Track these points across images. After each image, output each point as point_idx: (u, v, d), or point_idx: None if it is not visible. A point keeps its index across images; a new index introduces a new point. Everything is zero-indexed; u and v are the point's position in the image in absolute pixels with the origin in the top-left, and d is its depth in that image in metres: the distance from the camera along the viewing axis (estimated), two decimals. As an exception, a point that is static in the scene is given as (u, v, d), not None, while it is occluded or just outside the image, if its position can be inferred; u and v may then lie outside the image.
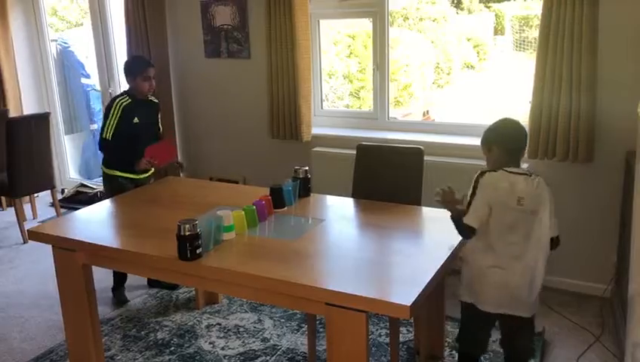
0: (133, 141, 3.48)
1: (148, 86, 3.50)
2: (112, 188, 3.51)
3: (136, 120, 3.50)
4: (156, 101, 3.72)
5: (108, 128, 3.45)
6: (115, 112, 3.44)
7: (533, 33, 5.15)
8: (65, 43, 6.20)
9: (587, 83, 3.21)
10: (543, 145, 3.37)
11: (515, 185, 2.27)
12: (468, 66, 7.13)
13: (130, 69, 3.52)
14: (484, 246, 2.31)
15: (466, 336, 2.51)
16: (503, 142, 2.36)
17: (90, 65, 6.05)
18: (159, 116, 3.75)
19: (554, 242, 2.35)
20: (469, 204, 2.30)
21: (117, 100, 3.49)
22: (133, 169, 3.51)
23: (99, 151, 3.66)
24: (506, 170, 2.30)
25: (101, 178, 6.04)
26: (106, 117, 3.48)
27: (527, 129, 3.40)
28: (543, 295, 3.31)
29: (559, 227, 2.38)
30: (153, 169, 3.64)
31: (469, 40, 7.08)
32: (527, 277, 2.28)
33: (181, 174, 3.97)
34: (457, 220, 2.33)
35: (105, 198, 3.42)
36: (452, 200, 2.39)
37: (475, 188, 2.30)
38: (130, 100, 3.49)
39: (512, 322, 2.34)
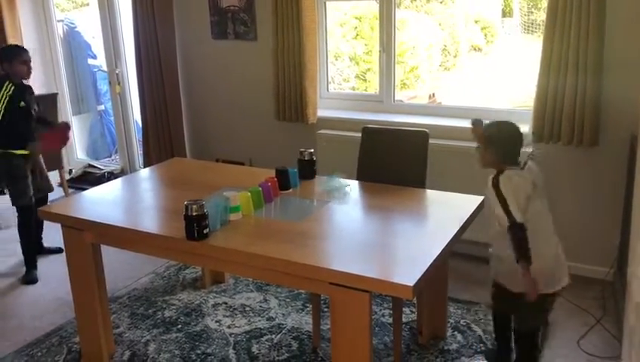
0: (24, 121, 3.73)
1: (25, 69, 3.68)
2: (10, 168, 3.71)
3: (23, 104, 3.67)
4: (29, 85, 3.88)
5: None
6: (4, 95, 3.59)
7: (542, 16, 5.10)
8: (71, 23, 6.20)
9: (593, 66, 3.20)
10: (548, 129, 3.38)
11: (523, 176, 2.39)
12: (475, 49, 7.08)
13: (6, 56, 3.67)
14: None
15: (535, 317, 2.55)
16: (504, 144, 2.45)
17: (97, 45, 6.06)
18: (33, 98, 3.87)
19: None
20: (505, 208, 2.31)
21: (4, 89, 3.60)
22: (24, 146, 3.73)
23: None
24: (511, 168, 2.40)
25: (108, 159, 6.19)
26: None
27: (532, 112, 3.45)
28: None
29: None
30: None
31: (476, 22, 7.02)
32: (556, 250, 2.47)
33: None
34: (517, 236, 2.31)
35: (113, 178, 3.47)
36: None
37: (499, 191, 2.35)
38: (13, 87, 3.63)
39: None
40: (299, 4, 3.98)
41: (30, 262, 3.82)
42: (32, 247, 3.86)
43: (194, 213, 2.27)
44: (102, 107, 6.40)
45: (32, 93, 3.86)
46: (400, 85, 5.75)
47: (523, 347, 2.61)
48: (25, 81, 3.78)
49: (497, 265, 2.54)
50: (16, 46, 3.89)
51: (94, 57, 6.28)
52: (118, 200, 3.03)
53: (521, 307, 2.46)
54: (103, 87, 6.23)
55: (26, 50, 3.75)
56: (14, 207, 3.79)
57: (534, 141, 3.40)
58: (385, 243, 2.40)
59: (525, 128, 3.51)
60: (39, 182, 3.93)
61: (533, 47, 5.00)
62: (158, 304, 3.42)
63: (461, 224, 2.44)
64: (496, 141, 2.44)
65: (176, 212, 2.49)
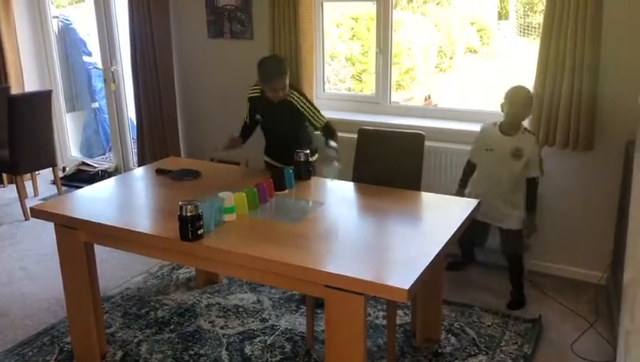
0: (265, 133, 3.52)
1: (273, 95, 3.20)
2: None
3: (258, 117, 3.38)
4: (290, 99, 3.26)
5: (245, 112, 3.49)
6: (248, 100, 3.46)
7: (538, 18, 5.12)
8: (67, 20, 6.17)
9: (590, 71, 3.20)
10: (544, 132, 3.38)
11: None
12: (471, 51, 7.10)
13: (260, 75, 3.20)
14: None
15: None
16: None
17: (92, 43, 6.03)
18: (307, 112, 3.28)
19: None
20: (540, 165, 3.17)
21: (251, 88, 3.42)
22: (276, 157, 3.51)
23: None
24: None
25: (102, 157, 6.18)
26: None
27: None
28: (538, 281, 3.36)
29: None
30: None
31: (472, 24, 7.04)
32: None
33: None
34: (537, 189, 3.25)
35: (107, 177, 3.44)
36: None
37: (539, 150, 3.23)
38: (259, 94, 3.33)
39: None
40: (296, 4, 3.96)
41: None
42: None
43: (188, 214, 2.26)
44: (96, 105, 6.37)
45: (294, 108, 3.25)
46: (395, 86, 5.75)
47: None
48: (290, 97, 3.25)
49: (511, 211, 3.19)
50: (271, 68, 3.18)
51: (89, 54, 6.24)
52: (112, 199, 3.00)
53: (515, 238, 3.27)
54: (98, 84, 6.20)
55: (280, 77, 3.12)
56: None
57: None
58: (380, 245, 2.39)
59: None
60: None
61: (529, 49, 5.01)
62: (151, 304, 3.40)
63: (456, 227, 2.43)
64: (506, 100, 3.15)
65: (170, 212, 2.47)
